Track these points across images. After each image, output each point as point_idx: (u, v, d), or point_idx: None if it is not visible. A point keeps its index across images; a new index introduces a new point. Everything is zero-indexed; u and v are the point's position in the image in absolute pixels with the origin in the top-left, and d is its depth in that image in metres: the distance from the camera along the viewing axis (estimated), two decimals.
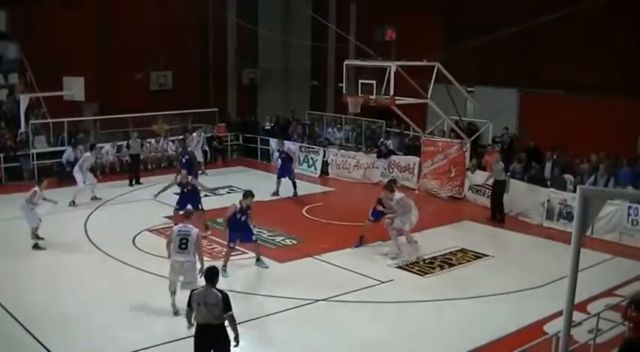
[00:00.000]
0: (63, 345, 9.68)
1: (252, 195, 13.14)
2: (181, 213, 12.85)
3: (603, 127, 18.76)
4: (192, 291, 8.37)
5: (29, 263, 13.26)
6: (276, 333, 10.25)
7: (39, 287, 11.99)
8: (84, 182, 18.06)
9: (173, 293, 10.70)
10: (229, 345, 8.10)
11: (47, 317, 10.61)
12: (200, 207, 15.09)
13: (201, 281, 10.27)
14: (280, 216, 17.05)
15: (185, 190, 15.26)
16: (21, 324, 10.30)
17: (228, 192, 19.12)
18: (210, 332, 8.04)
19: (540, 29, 18.36)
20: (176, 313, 10.52)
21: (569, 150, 18.04)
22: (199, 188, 15.52)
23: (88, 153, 18.56)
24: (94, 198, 18.22)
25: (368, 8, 26.48)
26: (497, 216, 16.93)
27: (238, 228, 12.97)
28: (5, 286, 11.91)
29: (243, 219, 12.96)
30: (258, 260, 13.44)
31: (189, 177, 15.60)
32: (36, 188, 14.25)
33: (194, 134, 22.58)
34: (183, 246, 10.39)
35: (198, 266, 10.34)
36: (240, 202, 13.04)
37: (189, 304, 8.24)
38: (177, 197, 15.54)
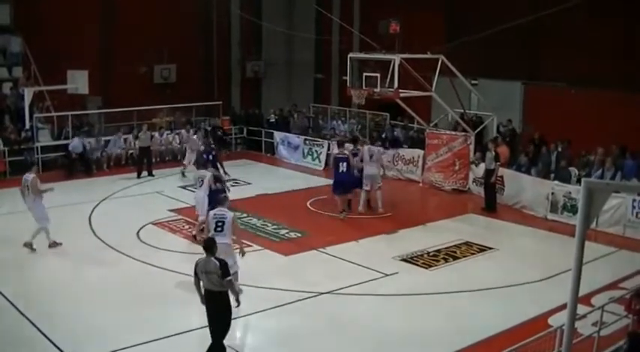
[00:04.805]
0: (64, 337, 9.67)
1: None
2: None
3: (608, 120, 18.63)
4: (197, 261, 8.82)
5: (33, 256, 13.26)
6: (281, 326, 10.26)
7: (42, 281, 12.04)
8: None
9: None
10: (230, 310, 8.80)
11: (50, 312, 10.62)
12: None
13: (240, 263, 10.62)
14: (284, 209, 17.04)
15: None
16: (25, 316, 10.32)
17: (232, 185, 19.06)
18: (213, 298, 8.69)
19: (544, 21, 18.28)
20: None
21: (574, 142, 17.97)
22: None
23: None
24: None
25: (371, 1, 26.40)
26: (489, 204, 17.08)
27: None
28: (9, 280, 11.95)
29: None
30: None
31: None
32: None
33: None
34: (219, 229, 10.71)
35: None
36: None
37: (195, 273, 8.77)
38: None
